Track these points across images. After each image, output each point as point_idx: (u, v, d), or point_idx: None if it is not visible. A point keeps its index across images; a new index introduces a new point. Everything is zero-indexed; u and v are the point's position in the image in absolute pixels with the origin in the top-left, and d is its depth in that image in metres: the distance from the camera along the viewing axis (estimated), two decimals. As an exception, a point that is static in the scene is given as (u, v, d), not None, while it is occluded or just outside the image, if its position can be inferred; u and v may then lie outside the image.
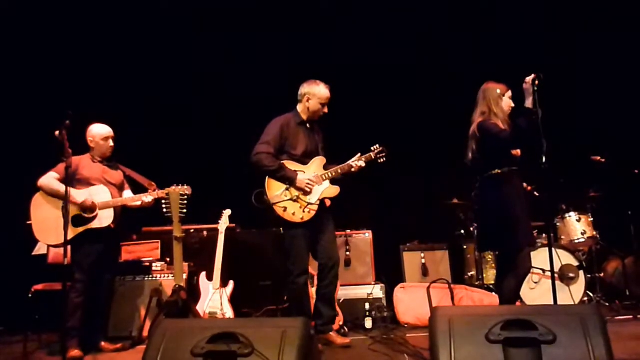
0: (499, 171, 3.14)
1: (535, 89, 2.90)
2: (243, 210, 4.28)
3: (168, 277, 4.21)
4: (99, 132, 3.79)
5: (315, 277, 3.72)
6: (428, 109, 5.51)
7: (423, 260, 4.94)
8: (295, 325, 1.92)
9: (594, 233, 4.60)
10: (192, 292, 4.06)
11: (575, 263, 4.34)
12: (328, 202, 3.66)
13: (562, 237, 4.69)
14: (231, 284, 4.09)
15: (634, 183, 4.65)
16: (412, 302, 4.27)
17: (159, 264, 4.32)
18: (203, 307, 3.96)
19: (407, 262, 4.96)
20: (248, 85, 5.39)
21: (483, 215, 3.28)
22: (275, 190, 3.46)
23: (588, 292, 4.41)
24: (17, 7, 5.08)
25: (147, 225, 4.80)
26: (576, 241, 4.59)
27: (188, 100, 5.55)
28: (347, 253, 4.73)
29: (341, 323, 3.94)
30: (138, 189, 3.85)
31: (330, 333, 3.53)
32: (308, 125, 3.68)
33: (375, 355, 3.21)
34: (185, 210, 3.47)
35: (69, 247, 3.12)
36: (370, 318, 4.17)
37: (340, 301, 4.19)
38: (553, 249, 2.92)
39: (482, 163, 3.20)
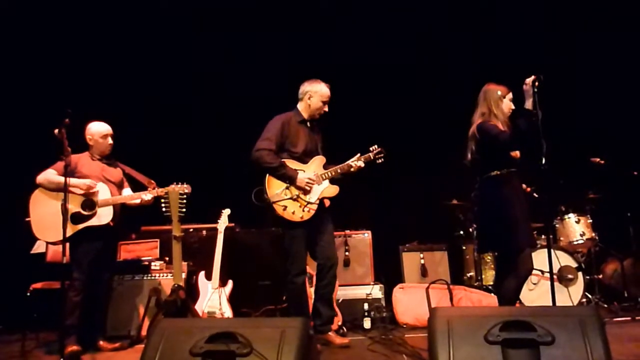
0: (498, 172, 3.14)
1: (535, 90, 2.90)
2: (242, 210, 4.28)
3: (167, 276, 4.21)
4: (98, 130, 3.79)
5: (314, 277, 3.71)
6: (428, 109, 5.51)
7: (422, 261, 4.95)
8: (294, 325, 1.92)
9: (593, 234, 4.61)
10: (191, 291, 4.06)
11: (574, 264, 4.34)
12: (327, 202, 3.65)
13: (561, 238, 4.69)
14: (230, 283, 4.09)
15: (633, 185, 4.66)
16: (411, 303, 4.27)
17: (157, 263, 4.32)
18: (202, 306, 3.96)
19: (406, 262, 4.96)
20: (248, 85, 5.38)
21: (482, 216, 3.28)
22: (275, 188, 3.46)
23: (586, 293, 4.41)
24: (18, 6, 5.07)
25: (146, 224, 4.80)
26: (575, 242, 4.60)
27: (188, 100, 5.54)
28: (346, 253, 4.73)
29: (340, 323, 3.94)
30: (137, 187, 3.85)
31: (329, 333, 3.53)
32: (308, 124, 3.68)
33: (374, 355, 3.21)
34: (184, 210, 3.47)
35: (67, 246, 3.11)
36: (369, 318, 4.16)
37: (339, 301, 4.19)
38: (552, 250, 2.92)
39: (482, 164, 3.20)
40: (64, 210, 3.09)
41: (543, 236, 4.54)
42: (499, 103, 3.17)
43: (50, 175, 3.57)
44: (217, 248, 4.13)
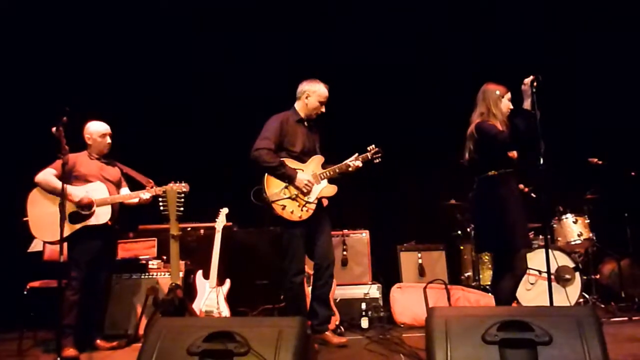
0: (495, 172, 3.15)
1: (534, 90, 2.90)
2: (240, 209, 4.28)
3: (164, 275, 4.21)
4: (96, 129, 3.78)
5: (312, 277, 3.71)
6: (426, 109, 5.52)
7: (420, 261, 4.95)
8: (292, 324, 1.92)
9: (590, 235, 4.62)
10: (189, 290, 4.05)
11: (572, 264, 4.35)
12: (325, 202, 3.66)
13: (559, 238, 4.70)
14: (228, 282, 4.09)
15: (631, 185, 4.66)
16: (408, 302, 4.27)
17: (155, 262, 4.32)
18: (199, 305, 3.95)
19: (404, 262, 4.97)
20: (247, 85, 5.39)
21: (479, 216, 3.29)
22: (274, 187, 3.46)
23: (584, 293, 4.42)
24: (18, 5, 5.06)
25: (144, 223, 4.79)
26: (572, 243, 4.60)
27: (186, 99, 5.54)
28: (344, 253, 4.73)
29: (337, 323, 3.94)
30: (136, 187, 3.85)
31: (326, 332, 3.53)
32: (306, 123, 3.68)
33: (371, 355, 3.21)
34: (182, 208, 3.46)
35: (65, 244, 3.11)
36: (367, 318, 4.17)
37: (337, 301, 4.19)
38: (549, 250, 2.93)
39: (479, 164, 3.21)
40: (62, 209, 3.08)
41: (541, 236, 4.56)
42: (497, 103, 3.18)
43: (48, 177, 3.55)
44: (214, 247, 4.12)
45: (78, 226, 3.53)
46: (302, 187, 3.47)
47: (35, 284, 3.83)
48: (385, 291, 4.52)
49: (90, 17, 5.21)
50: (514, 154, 3.19)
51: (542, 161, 2.84)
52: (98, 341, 3.64)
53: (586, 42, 5.28)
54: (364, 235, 4.81)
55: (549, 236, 3.74)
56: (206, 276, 4.06)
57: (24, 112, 4.99)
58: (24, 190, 3.61)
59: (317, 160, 3.65)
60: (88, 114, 3.81)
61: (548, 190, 3.27)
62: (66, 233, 3.20)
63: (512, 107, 3.21)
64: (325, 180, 3.61)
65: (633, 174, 4.67)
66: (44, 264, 4.02)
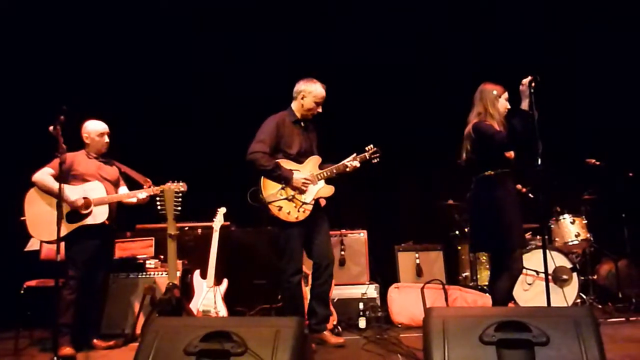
0: (492, 172, 3.15)
1: (532, 90, 2.90)
2: (238, 209, 4.27)
3: (162, 274, 4.20)
4: (94, 128, 3.77)
5: (310, 277, 3.71)
6: (425, 109, 5.52)
7: (417, 261, 4.95)
8: (289, 324, 1.92)
9: (588, 235, 4.62)
10: (186, 290, 4.05)
11: (569, 265, 4.35)
12: (323, 202, 3.65)
13: (556, 239, 4.71)
14: (225, 282, 4.08)
15: (628, 186, 4.67)
16: (406, 302, 4.27)
17: (152, 261, 4.31)
18: (196, 305, 3.94)
19: (402, 262, 4.97)
20: (246, 85, 5.38)
21: (475, 216, 3.30)
22: (270, 189, 3.46)
23: (581, 294, 4.42)
24: (18, 4, 5.04)
25: (141, 222, 4.78)
26: (570, 243, 4.61)
27: (185, 99, 5.53)
28: (342, 252, 4.72)
29: (335, 322, 3.94)
30: (134, 186, 3.84)
31: (324, 332, 3.53)
32: (303, 123, 3.67)
33: (369, 355, 3.21)
34: (179, 208, 3.45)
35: (62, 243, 3.10)
36: (364, 318, 4.17)
37: (334, 301, 4.19)
38: (547, 251, 2.93)
39: (476, 164, 3.21)
40: (59, 208, 3.07)
41: (538, 237, 4.56)
42: (495, 103, 3.18)
43: (45, 177, 3.54)
44: (212, 247, 4.11)
45: (75, 225, 3.52)
46: (300, 186, 3.47)
47: (32, 283, 3.82)
48: (382, 291, 4.52)
49: (89, 16, 5.20)
50: (511, 154, 3.19)
51: (539, 161, 2.84)
52: (95, 340, 3.63)
53: (586, 42, 5.28)
54: (362, 235, 4.81)
55: (546, 237, 3.75)
56: (204, 276, 4.06)
57: (21, 111, 4.98)
58: (21, 189, 3.60)
59: (314, 160, 3.64)
60: (86, 113, 3.80)
61: (546, 191, 3.28)
62: (63, 232, 3.19)
63: (509, 107, 3.21)
64: (323, 181, 3.60)
65: (631, 174, 4.69)
66: (40, 263, 4.01)
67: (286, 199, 3.45)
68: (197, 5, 5.30)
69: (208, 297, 3.98)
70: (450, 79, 5.27)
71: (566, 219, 4.67)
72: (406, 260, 4.97)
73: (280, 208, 3.43)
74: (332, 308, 3.85)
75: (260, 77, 5.36)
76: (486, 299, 4.26)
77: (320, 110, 3.63)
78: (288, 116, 3.63)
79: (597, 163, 4.62)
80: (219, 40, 5.48)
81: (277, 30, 5.47)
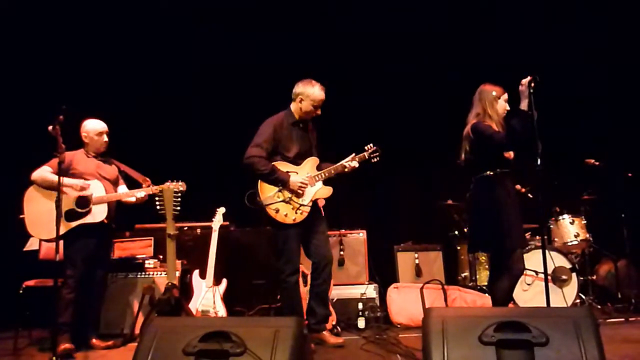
0: (491, 173, 3.15)
1: (531, 91, 2.90)
2: (237, 209, 4.26)
3: (161, 274, 4.19)
4: (93, 127, 3.77)
5: (309, 276, 3.71)
6: (424, 109, 5.52)
7: (417, 261, 4.95)
8: (288, 324, 1.91)
9: (587, 236, 4.62)
10: (185, 290, 4.05)
11: (568, 265, 4.35)
12: (321, 202, 3.65)
13: (556, 239, 4.71)
14: (224, 282, 4.08)
15: (628, 186, 4.67)
16: (405, 303, 4.27)
17: (151, 261, 4.30)
18: (195, 305, 3.94)
19: (401, 262, 4.96)
20: (247, 85, 5.37)
21: (475, 216, 3.29)
22: (267, 191, 3.45)
23: (580, 294, 4.42)
24: (17, 2, 5.04)
25: (140, 222, 4.77)
26: (569, 243, 4.61)
27: (184, 99, 5.53)
28: (341, 253, 4.72)
29: (334, 322, 3.93)
30: (133, 185, 3.83)
31: (323, 332, 3.53)
32: (301, 125, 3.66)
33: (368, 355, 3.21)
34: (178, 208, 3.45)
35: (60, 243, 3.09)
36: (363, 318, 4.17)
37: (334, 301, 4.18)
38: (546, 251, 2.93)
39: (475, 164, 3.21)
40: (58, 207, 3.07)
41: (538, 237, 4.56)
42: (493, 104, 3.18)
43: (44, 173, 3.55)
44: (211, 246, 4.11)
45: (74, 224, 3.51)
46: (297, 190, 3.47)
47: (31, 282, 3.82)
48: (382, 291, 4.52)
49: (88, 15, 5.19)
50: (510, 154, 3.20)
51: (539, 162, 2.84)
52: (93, 340, 3.63)
53: (586, 42, 5.28)
54: (361, 235, 4.80)
55: (545, 237, 3.75)
56: (203, 276, 4.05)
57: (20, 110, 4.97)
58: (20, 188, 3.59)
59: (311, 162, 3.63)
60: (86, 112, 3.80)
61: (545, 191, 3.28)
62: (62, 231, 3.19)
63: (508, 108, 3.21)
64: (320, 182, 3.59)
65: (630, 175, 4.69)
66: (39, 263, 4.00)
67: (283, 201, 3.44)
68: (197, 4, 5.30)
69: (207, 297, 3.97)
70: (450, 79, 5.27)
71: (565, 219, 4.67)
72: (405, 260, 4.97)
73: (277, 210, 3.43)
74: (331, 308, 3.85)
75: (259, 76, 5.36)
76: (485, 299, 4.26)
77: (319, 112, 3.62)
78: (286, 118, 3.62)
79: (597, 163, 4.62)
80: (219, 39, 5.47)
81: (277, 30, 5.46)
